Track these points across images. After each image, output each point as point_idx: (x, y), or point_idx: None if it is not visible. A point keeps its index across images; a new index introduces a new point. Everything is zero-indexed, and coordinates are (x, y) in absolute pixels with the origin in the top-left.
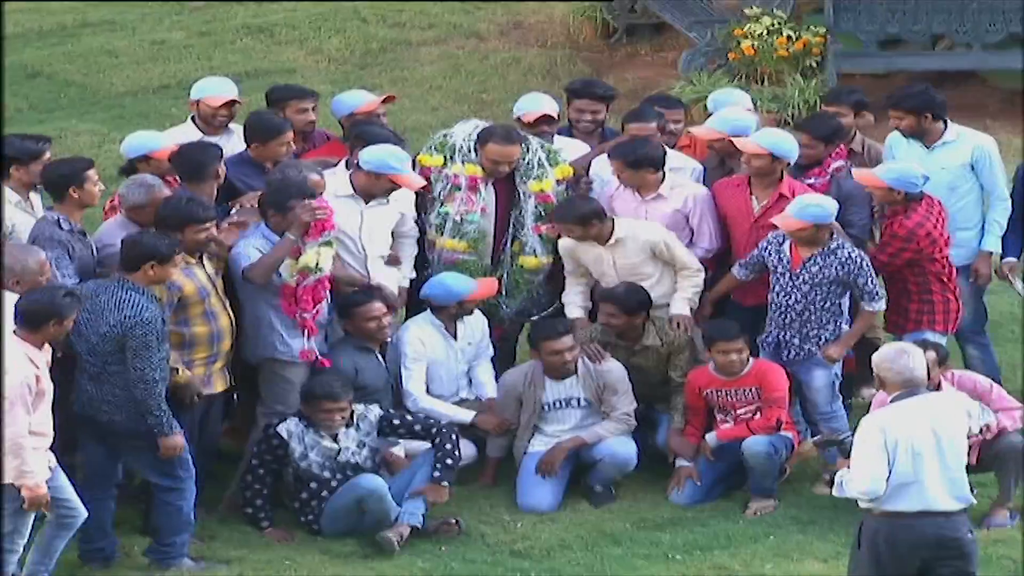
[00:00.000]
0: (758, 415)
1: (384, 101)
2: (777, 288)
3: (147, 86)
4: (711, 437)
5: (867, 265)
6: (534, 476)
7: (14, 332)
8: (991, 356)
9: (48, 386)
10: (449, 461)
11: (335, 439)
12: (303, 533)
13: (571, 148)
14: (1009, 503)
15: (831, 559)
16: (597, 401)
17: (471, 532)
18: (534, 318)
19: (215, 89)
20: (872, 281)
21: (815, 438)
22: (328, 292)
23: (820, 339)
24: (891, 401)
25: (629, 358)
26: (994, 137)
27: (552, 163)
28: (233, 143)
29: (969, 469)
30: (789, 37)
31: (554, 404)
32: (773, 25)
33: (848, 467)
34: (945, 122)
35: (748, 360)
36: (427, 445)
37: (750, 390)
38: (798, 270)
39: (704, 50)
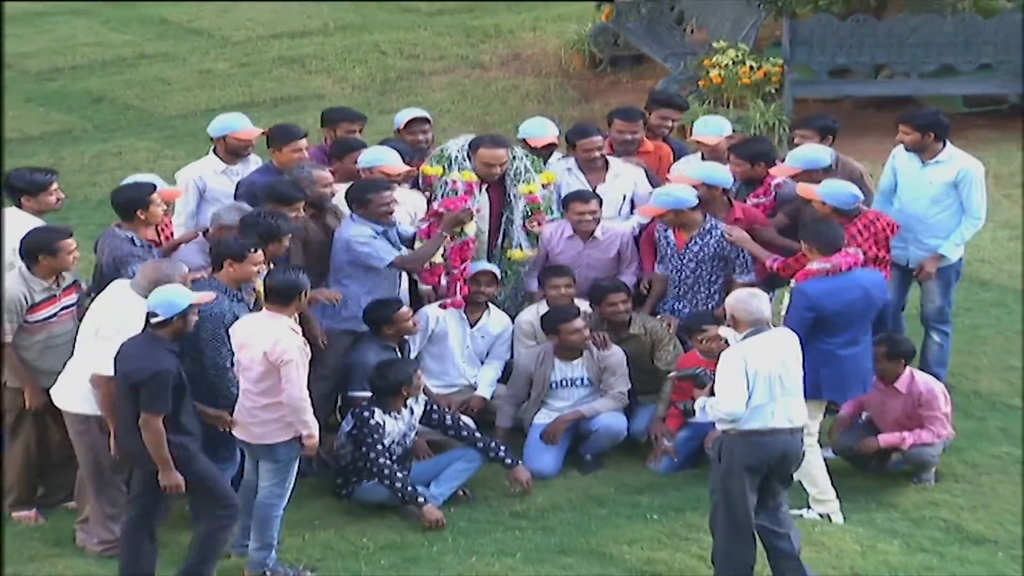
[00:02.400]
0: None
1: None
2: (669, 267)
3: (195, 109)
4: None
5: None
6: (539, 444)
7: (267, 308)
8: (948, 344)
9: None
10: (504, 447)
11: (403, 423)
12: (329, 496)
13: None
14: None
15: None
16: (597, 381)
17: (476, 495)
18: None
19: (240, 124)
20: (744, 256)
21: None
22: (472, 251)
23: (707, 307)
24: (743, 337)
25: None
26: None
27: (536, 170)
28: (250, 168)
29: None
30: (751, 67)
31: (561, 383)
32: (737, 57)
33: (706, 396)
34: (944, 143)
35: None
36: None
37: None
38: (683, 250)
39: (678, 78)
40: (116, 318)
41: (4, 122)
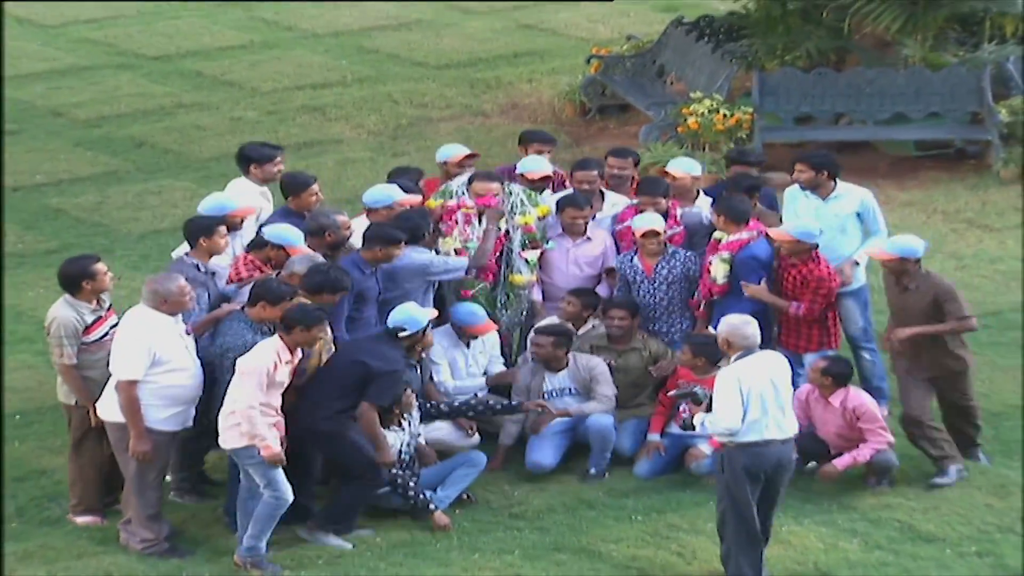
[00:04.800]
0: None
1: (469, 156)
2: (640, 293)
3: (227, 153)
4: (705, 447)
5: (700, 262)
6: (540, 441)
7: (279, 334)
8: (879, 359)
9: (283, 379)
10: (502, 402)
11: (405, 433)
12: None
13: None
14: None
15: None
16: (584, 389)
17: (478, 499)
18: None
19: (235, 204)
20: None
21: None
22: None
23: (683, 326)
24: (735, 359)
25: (616, 359)
26: (881, 192)
27: (532, 203)
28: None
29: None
30: (725, 115)
31: (552, 392)
32: (712, 105)
33: (703, 412)
34: (836, 180)
35: (715, 367)
36: (457, 442)
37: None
38: (652, 275)
39: (659, 125)
40: (129, 329)
41: (4, 123)
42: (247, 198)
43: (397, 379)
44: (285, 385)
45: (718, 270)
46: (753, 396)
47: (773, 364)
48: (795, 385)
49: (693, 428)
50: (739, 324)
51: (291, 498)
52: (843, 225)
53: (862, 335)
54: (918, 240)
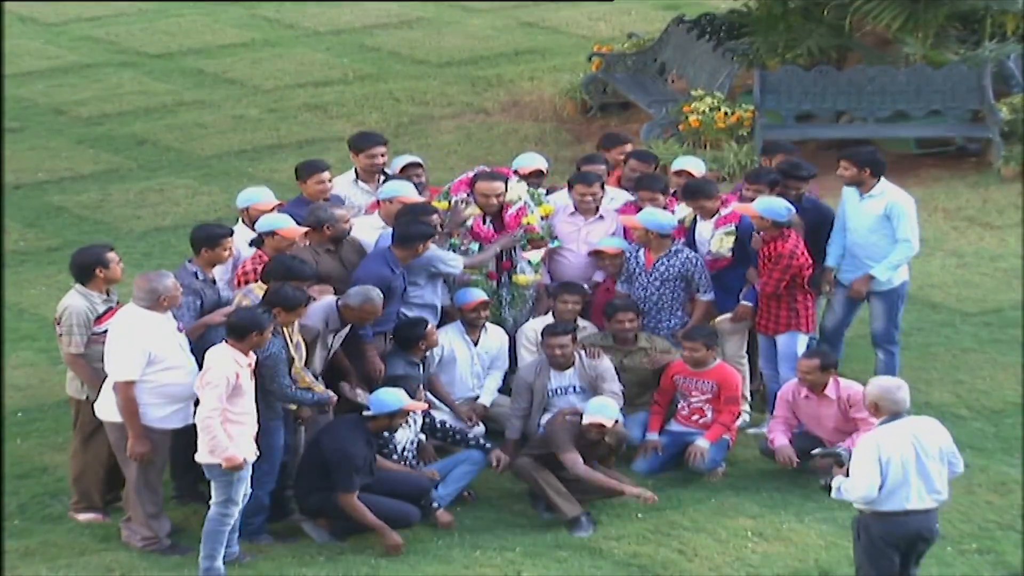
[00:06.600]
0: (707, 405)
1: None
2: (636, 285)
3: (229, 151)
4: (703, 442)
5: (701, 264)
6: None
7: (225, 341)
8: (893, 361)
9: (247, 384)
10: (480, 438)
11: (410, 431)
12: None
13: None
14: None
15: (758, 516)
16: (592, 388)
17: (480, 496)
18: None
19: (261, 197)
20: (705, 277)
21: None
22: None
23: (671, 323)
24: (881, 423)
25: (622, 359)
26: None
27: (536, 203)
28: None
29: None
30: (726, 113)
31: (557, 391)
32: (714, 103)
33: (844, 475)
34: (879, 179)
35: (714, 359)
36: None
37: (706, 382)
38: (650, 269)
39: (660, 122)
40: (122, 330)
41: (3, 121)
42: (338, 187)
43: (352, 465)
44: (251, 390)
45: (724, 244)
46: (894, 464)
47: (921, 429)
48: (784, 375)
49: (830, 489)
50: (892, 388)
51: (236, 515)
52: (873, 225)
53: (882, 334)
54: (613, 404)
